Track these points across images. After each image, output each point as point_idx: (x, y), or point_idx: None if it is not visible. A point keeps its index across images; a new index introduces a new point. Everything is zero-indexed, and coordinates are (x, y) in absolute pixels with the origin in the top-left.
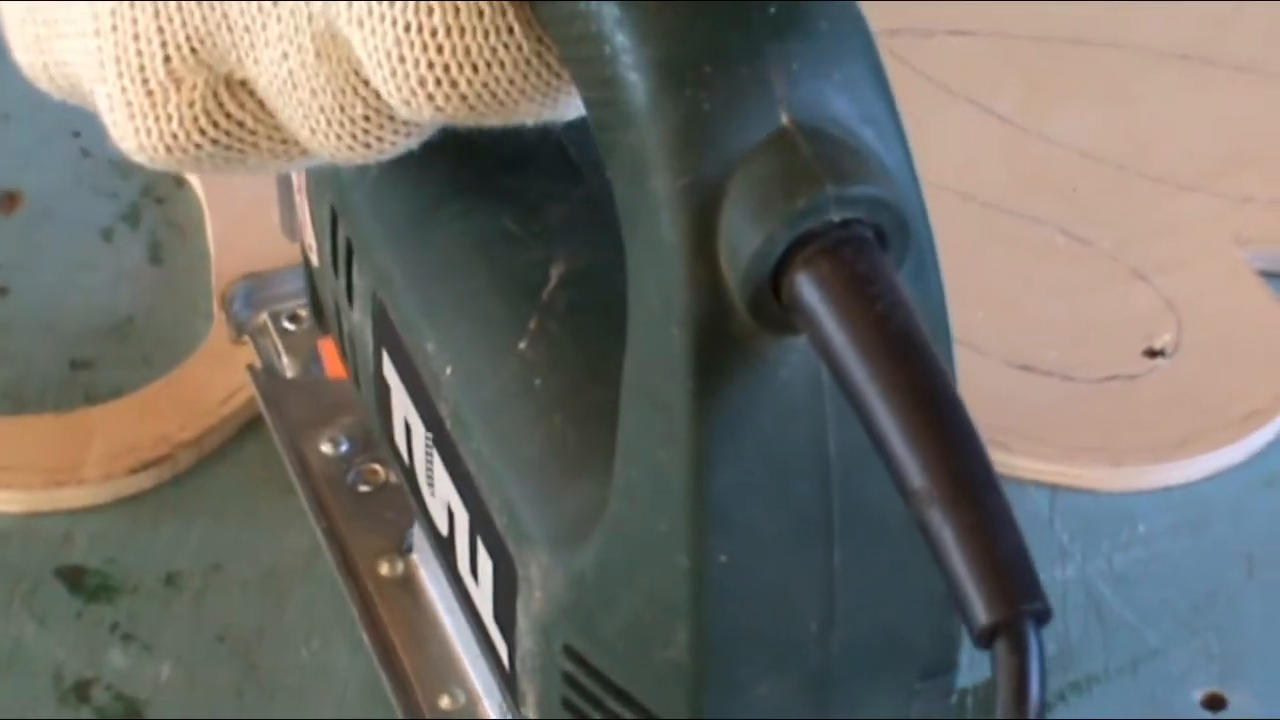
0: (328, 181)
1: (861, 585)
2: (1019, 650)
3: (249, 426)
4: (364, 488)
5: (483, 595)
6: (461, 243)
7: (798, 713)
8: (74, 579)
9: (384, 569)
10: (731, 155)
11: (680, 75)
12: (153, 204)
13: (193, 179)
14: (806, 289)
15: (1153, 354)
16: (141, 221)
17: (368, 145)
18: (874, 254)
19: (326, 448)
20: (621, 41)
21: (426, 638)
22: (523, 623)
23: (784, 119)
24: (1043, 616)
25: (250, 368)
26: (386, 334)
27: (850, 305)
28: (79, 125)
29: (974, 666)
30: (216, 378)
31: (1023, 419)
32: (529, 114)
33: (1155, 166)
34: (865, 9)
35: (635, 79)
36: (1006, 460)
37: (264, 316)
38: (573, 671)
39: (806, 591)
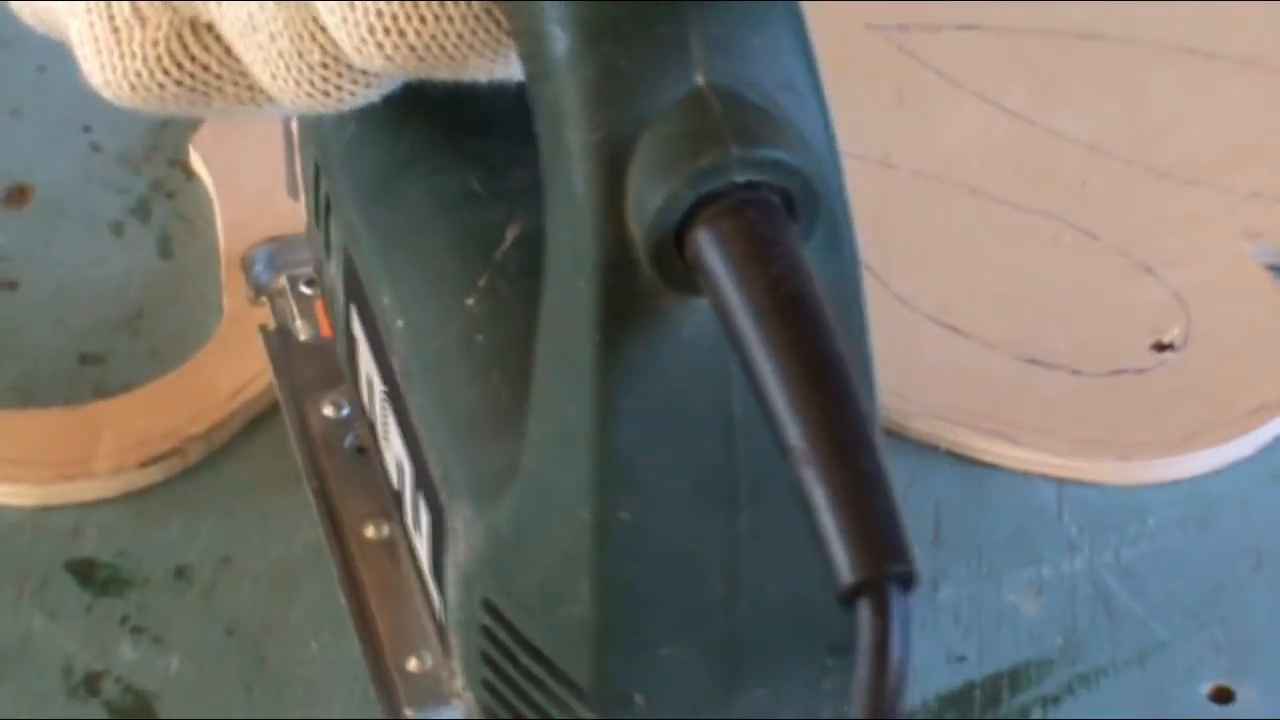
0: (313, 137)
1: (768, 553)
2: (882, 611)
3: (259, 420)
4: (360, 451)
5: (423, 548)
6: (426, 201)
7: (705, 678)
8: (84, 572)
9: (369, 531)
10: (644, 113)
11: (599, 31)
12: (163, 198)
13: (200, 167)
14: (707, 247)
15: (1161, 348)
16: (152, 216)
17: (326, 94)
18: (777, 218)
19: (329, 410)
20: None
21: (403, 601)
22: (450, 575)
23: (699, 80)
24: (909, 580)
25: (263, 328)
26: (354, 288)
27: (746, 265)
28: (89, 120)
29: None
30: (227, 371)
31: (1030, 412)
32: (480, 70)
33: (1163, 161)
34: (875, 3)
35: (557, 32)
36: (1014, 453)
37: (283, 279)
38: (491, 625)
39: (711, 555)
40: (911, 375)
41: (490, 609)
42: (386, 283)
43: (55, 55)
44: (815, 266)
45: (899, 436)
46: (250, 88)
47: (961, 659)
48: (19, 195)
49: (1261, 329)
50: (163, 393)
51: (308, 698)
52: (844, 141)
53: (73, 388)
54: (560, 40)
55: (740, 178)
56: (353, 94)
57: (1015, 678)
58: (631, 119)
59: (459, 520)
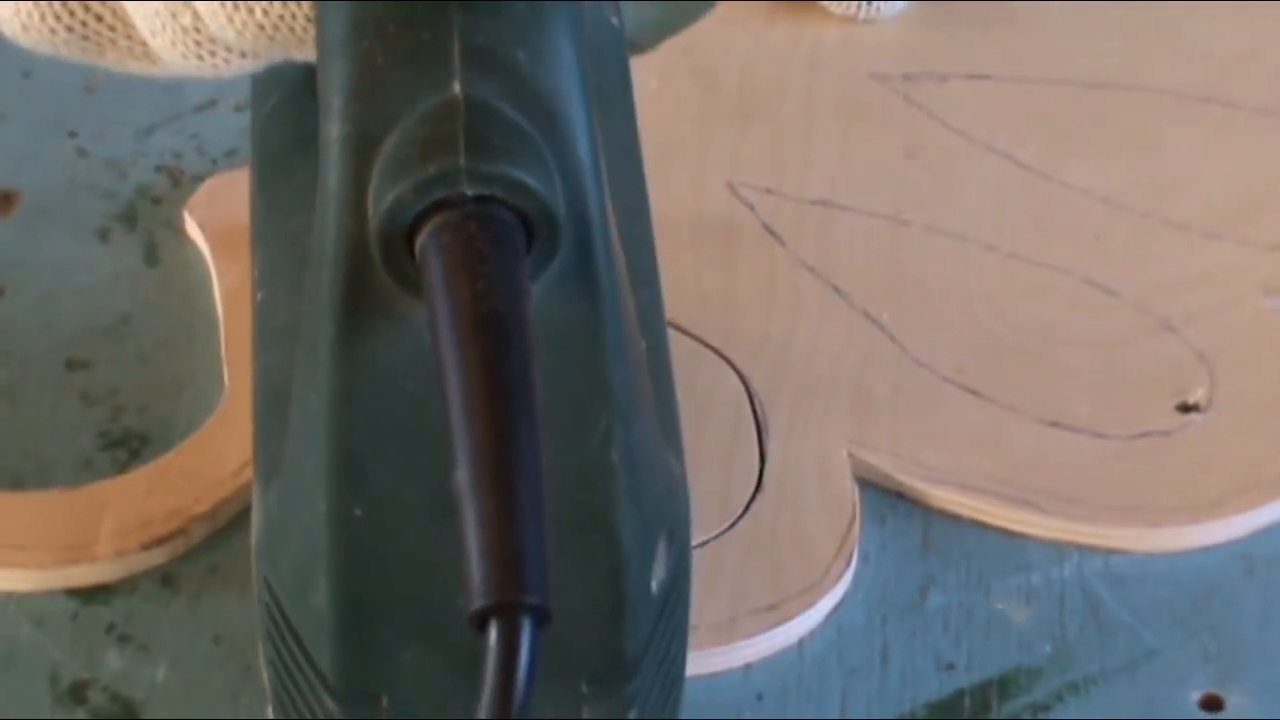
0: (251, 106)
1: None
2: (509, 639)
3: None
4: None
5: None
6: (314, 179)
7: (449, 689)
8: None
9: None
10: (395, 114)
11: (363, 26)
12: (149, 204)
13: (195, 233)
14: (426, 254)
15: (1186, 409)
16: (138, 222)
17: (200, 58)
18: (501, 235)
19: None
20: None
21: None
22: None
23: (455, 89)
24: (541, 614)
25: None
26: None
27: (452, 277)
28: (75, 125)
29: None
30: (230, 447)
31: (1055, 478)
32: None
33: (1178, 213)
34: (879, 52)
35: (329, 23)
36: (1041, 521)
37: None
38: (269, 603)
39: (450, 566)
40: (931, 441)
41: (267, 586)
42: (260, 253)
43: (40, 60)
44: (557, 295)
45: (920, 506)
46: (143, 44)
47: (951, 666)
48: (5, 201)
49: None
50: (165, 471)
51: None
52: (855, 197)
53: (59, 394)
54: (329, 32)
55: (470, 190)
56: (227, 60)
57: (1005, 685)
58: (382, 118)
59: (254, 496)
